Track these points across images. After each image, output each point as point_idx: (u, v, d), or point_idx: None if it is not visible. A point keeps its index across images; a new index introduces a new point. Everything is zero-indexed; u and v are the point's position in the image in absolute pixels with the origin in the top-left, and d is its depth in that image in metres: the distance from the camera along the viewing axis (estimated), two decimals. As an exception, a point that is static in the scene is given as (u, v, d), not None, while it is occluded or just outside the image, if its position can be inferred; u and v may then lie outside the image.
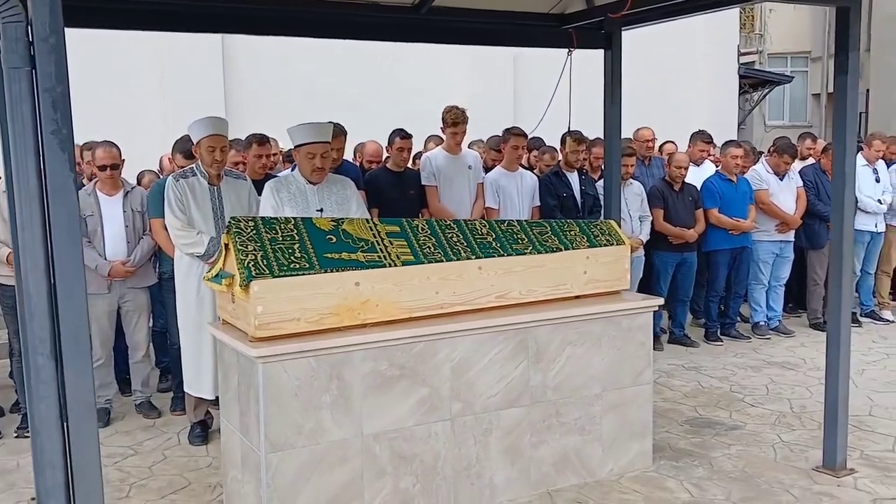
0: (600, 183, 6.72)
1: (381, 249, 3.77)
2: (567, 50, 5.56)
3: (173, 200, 4.76)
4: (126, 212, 5.34)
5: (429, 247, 3.89)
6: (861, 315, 7.98)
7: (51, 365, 2.46)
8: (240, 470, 3.72)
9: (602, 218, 5.75)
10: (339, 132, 5.70)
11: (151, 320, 6.00)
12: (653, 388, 4.46)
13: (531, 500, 4.02)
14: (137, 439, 5.06)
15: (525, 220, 4.58)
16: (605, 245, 4.38)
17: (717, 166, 7.64)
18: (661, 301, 4.51)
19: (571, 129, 6.39)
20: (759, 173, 7.53)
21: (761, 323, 7.52)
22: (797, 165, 7.90)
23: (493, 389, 3.92)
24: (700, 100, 12.11)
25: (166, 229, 4.84)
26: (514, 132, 6.37)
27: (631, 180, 6.91)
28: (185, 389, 4.98)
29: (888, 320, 7.94)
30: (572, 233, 4.35)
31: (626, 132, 7.97)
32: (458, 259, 3.90)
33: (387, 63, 9.61)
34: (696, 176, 7.57)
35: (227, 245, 3.62)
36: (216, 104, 8.99)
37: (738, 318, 7.69)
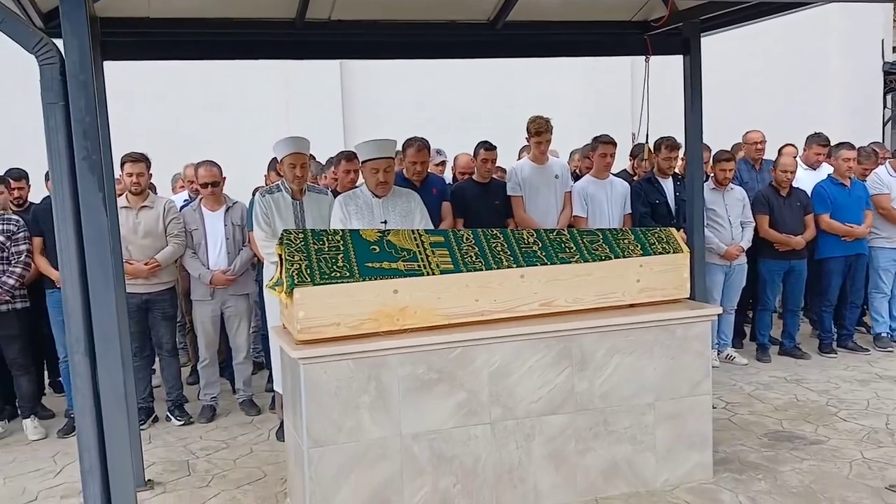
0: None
1: (422, 259, 3.95)
2: (644, 58, 5.54)
3: (259, 214, 5.15)
4: (227, 225, 5.81)
5: (470, 256, 4.04)
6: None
7: (85, 361, 2.81)
8: (293, 463, 4.01)
9: (686, 224, 5.66)
10: (423, 146, 5.95)
11: (259, 324, 6.48)
12: (712, 399, 4.37)
13: (577, 506, 4.06)
14: (233, 434, 5.49)
15: (577, 230, 4.62)
16: (662, 253, 4.35)
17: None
18: (718, 310, 4.42)
19: (658, 136, 6.34)
20: (881, 177, 7.12)
21: (883, 334, 7.08)
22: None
23: (534, 395, 3.99)
24: (835, 99, 11.43)
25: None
26: (601, 140, 6.39)
27: (732, 185, 6.73)
28: (274, 388, 5.36)
29: None
30: (625, 241, 4.36)
31: (738, 136, 7.79)
32: (500, 267, 4.02)
33: (500, 76, 9.78)
34: (813, 180, 7.25)
35: (280, 255, 3.92)
36: (335, 120, 9.52)
37: (859, 329, 7.28)
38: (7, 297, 5.49)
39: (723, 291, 6.71)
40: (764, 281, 6.90)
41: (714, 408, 5.42)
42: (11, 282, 5.48)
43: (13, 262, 5.52)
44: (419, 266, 3.91)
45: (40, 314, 5.82)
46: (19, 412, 5.81)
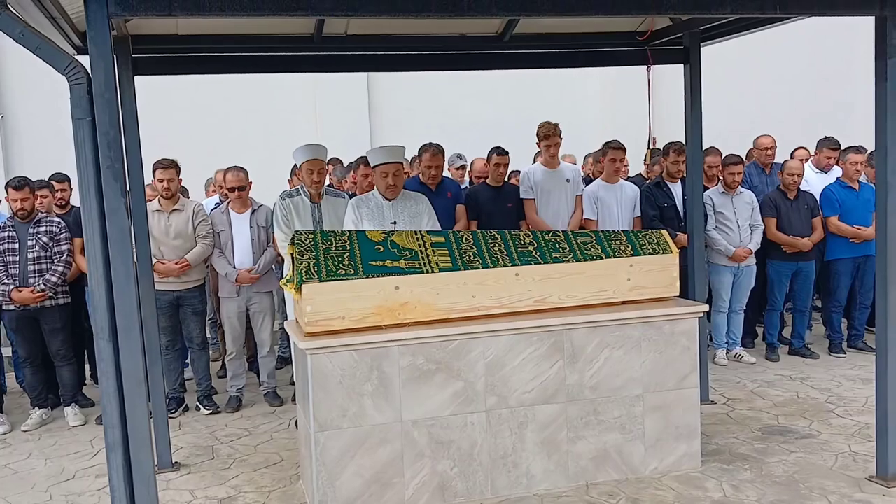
0: (709, 192, 6.81)
1: (423, 258, 4.26)
2: (646, 67, 5.80)
3: (279, 216, 5.51)
4: (252, 227, 6.18)
5: (469, 255, 4.33)
6: None
7: (109, 348, 3.16)
8: (304, 447, 4.34)
9: (687, 226, 5.88)
10: (437, 151, 6.25)
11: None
12: (698, 393, 4.59)
13: (568, 492, 4.31)
14: (255, 423, 5.84)
15: (572, 231, 4.88)
16: (652, 254, 4.60)
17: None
18: (704, 308, 4.65)
19: (662, 141, 6.57)
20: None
21: None
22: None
23: (527, 386, 4.27)
24: (862, 102, 11.43)
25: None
26: (612, 146, 6.63)
27: (741, 189, 6.93)
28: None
29: None
30: (617, 242, 4.61)
31: (749, 141, 7.97)
32: (496, 266, 4.31)
33: (523, 83, 10.04)
34: (825, 183, 7.40)
35: (291, 255, 4.26)
36: (362, 126, 9.87)
37: (870, 329, 7.39)
38: (50, 294, 5.91)
39: (732, 292, 6.92)
40: (772, 282, 7.08)
41: (714, 403, 5.70)
42: (54, 279, 5.90)
43: (56, 260, 5.95)
44: (420, 265, 4.21)
45: (80, 309, 6.27)
46: (62, 400, 6.24)
